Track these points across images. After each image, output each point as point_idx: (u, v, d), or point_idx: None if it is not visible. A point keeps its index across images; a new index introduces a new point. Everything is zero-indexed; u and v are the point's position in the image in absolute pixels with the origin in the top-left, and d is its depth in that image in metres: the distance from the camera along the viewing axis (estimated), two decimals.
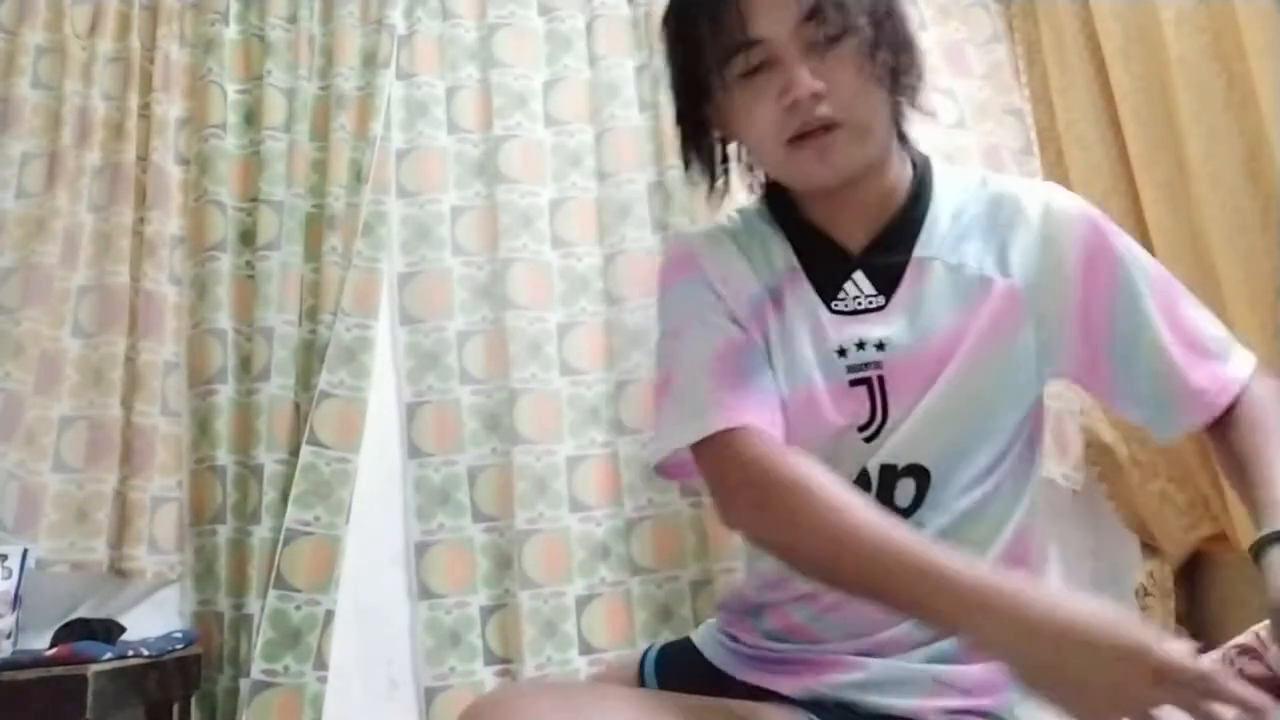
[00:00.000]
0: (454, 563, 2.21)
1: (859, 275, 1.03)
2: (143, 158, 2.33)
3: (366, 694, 2.17)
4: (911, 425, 0.99)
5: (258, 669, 2.04)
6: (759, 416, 0.95)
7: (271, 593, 2.08)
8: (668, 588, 2.20)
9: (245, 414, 2.21)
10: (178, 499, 2.22)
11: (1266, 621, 1.32)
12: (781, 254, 1.06)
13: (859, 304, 1.02)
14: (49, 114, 2.32)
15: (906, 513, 0.98)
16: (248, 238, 2.32)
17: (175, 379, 2.27)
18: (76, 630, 1.99)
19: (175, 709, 2.02)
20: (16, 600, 1.93)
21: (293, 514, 2.13)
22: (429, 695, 2.14)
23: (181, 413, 2.26)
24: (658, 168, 2.41)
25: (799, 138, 0.98)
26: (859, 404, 0.99)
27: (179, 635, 2.05)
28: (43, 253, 2.21)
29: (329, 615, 2.12)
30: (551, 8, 2.53)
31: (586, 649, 2.15)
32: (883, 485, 0.99)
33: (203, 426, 2.21)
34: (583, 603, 2.17)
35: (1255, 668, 1.29)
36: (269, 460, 2.18)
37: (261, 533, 2.13)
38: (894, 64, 1.03)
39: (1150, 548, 2.26)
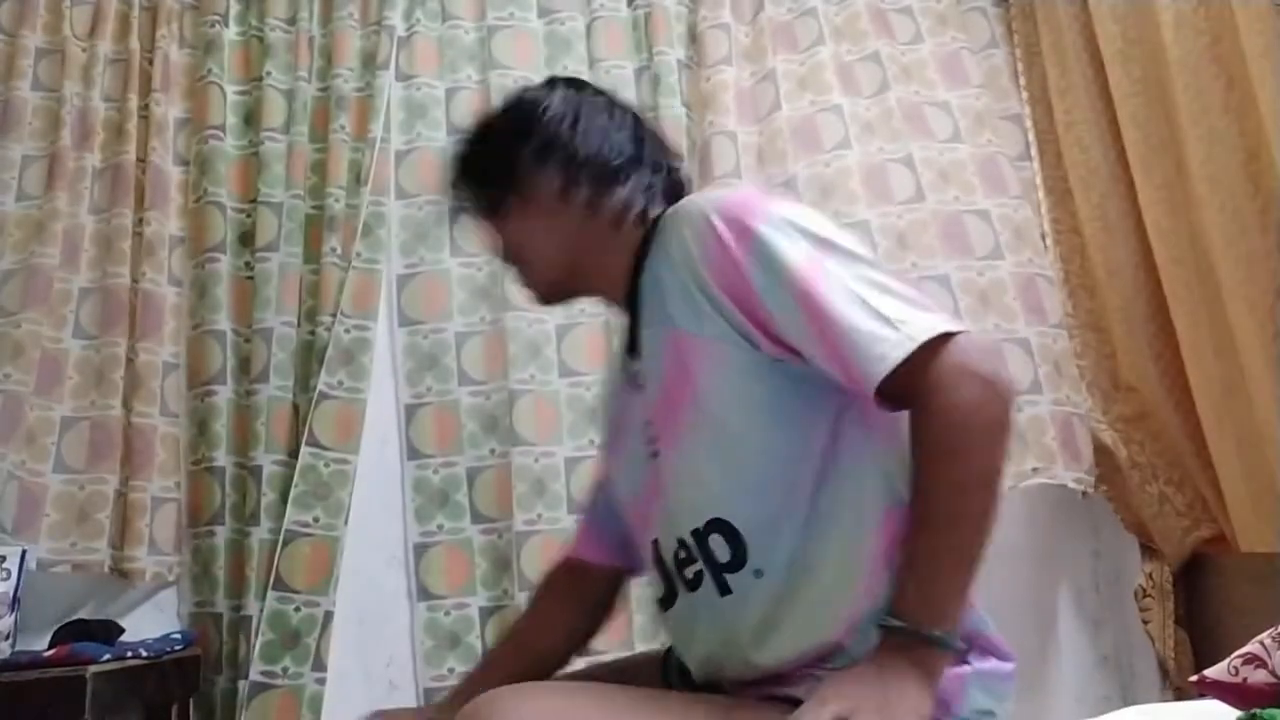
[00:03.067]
0: (453, 564, 2.21)
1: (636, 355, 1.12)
2: (142, 159, 2.34)
3: (365, 695, 2.17)
4: (674, 481, 1.05)
5: (256, 670, 2.04)
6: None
7: (270, 594, 2.08)
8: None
9: (244, 415, 2.21)
10: (176, 500, 2.22)
11: (1273, 630, 1.33)
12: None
13: (633, 369, 1.11)
14: (49, 116, 2.32)
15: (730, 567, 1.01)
16: (247, 239, 2.32)
17: (174, 380, 2.27)
18: (75, 631, 1.99)
19: (174, 710, 2.02)
20: (15, 601, 1.93)
21: (292, 515, 2.13)
22: (428, 696, 2.14)
23: (180, 414, 2.26)
24: None
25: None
26: (642, 463, 1.10)
27: (178, 636, 2.05)
28: (43, 254, 2.21)
29: (328, 616, 2.12)
30: (551, 10, 2.53)
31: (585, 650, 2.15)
32: (676, 564, 1.07)
33: (201, 427, 2.21)
34: None
35: (1260, 676, 1.29)
36: (268, 461, 2.18)
37: (260, 534, 2.13)
38: (572, 185, 1.09)
39: (1150, 549, 2.26)
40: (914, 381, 0.90)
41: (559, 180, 1.09)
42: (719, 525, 1.00)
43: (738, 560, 0.99)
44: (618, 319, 1.15)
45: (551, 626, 1.23)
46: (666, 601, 1.07)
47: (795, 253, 0.95)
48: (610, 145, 1.10)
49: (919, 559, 0.92)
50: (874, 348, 0.90)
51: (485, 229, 1.17)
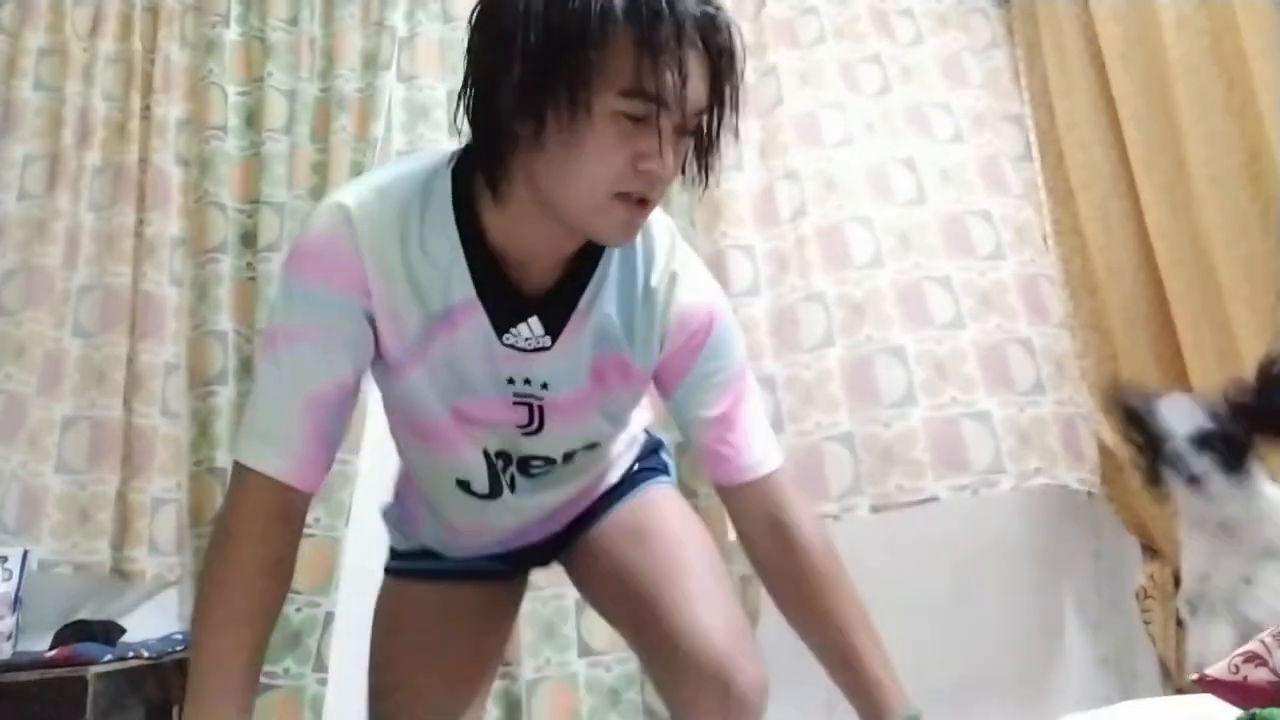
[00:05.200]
0: None
1: (534, 320, 1.06)
2: (144, 159, 2.34)
3: (367, 696, 2.16)
4: (556, 438, 1.16)
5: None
6: (306, 477, 1.05)
7: None
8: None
9: None
10: (177, 500, 2.22)
11: (1273, 628, 1.33)
12: (460, 285, 1.04)
13: (529, 344, 1.07)
14: (50, 115, 2.32)
15: (535, 473, 1.20)
16: (249, 239, 2.32)
17: (175, 380, 2.27)
18: (77, 632, 1.99)
19: (175, 711, 2.02)
20: (17, 602, 1.93)
21: None
22: None
23: (181, 414, 2.26)
24: None
25: (624, 199, 0.96)
26: (520, 414, 1.13)
27: (179, 637, 2.05)
28: (44, 254, 2.22)
29: (329, 617, 2.12)
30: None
31: (586, 651, 2.15)
32: (520, 465, 1.19)
33: (203, 428, 2.21)
34: (582, 605, 2.15)
35: (1261, 674, 1.29)
36: None
37: None
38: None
39: (1151, 550, 2.26)
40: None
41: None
42: (584, 448, 1.21)
43: (589, 448, 1.22)
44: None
45: (283, 577, 1.08)
46: (491, 495, 1.20)
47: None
48: None
49: (876, 654, 1.12)
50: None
51: (682, 142, 0.98)
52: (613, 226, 0.98)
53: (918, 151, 2.40)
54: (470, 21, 1.00)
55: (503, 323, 1.05)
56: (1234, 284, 1.95)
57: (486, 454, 1.16)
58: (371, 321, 1.04)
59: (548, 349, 1.07)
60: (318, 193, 2.34)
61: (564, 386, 1.11)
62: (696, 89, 0.94)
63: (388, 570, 1.39)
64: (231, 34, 2.43)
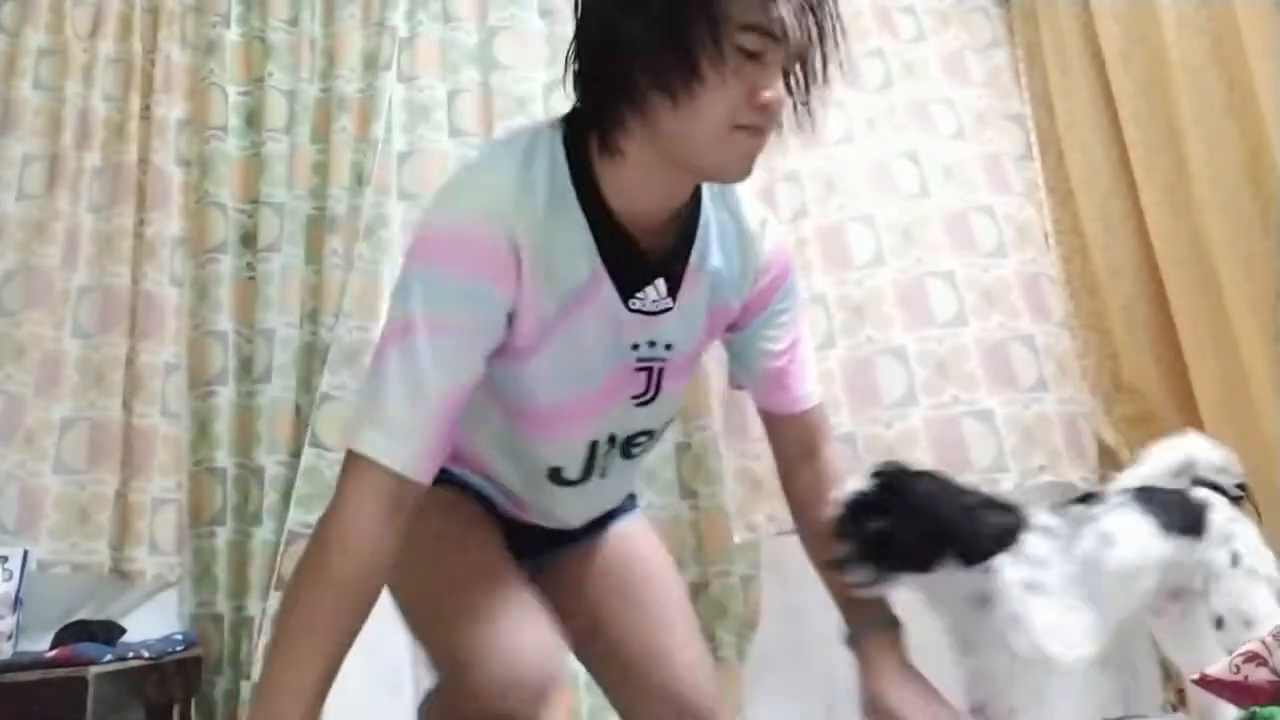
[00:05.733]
0: None
1: (660, 282, 1.09)
2: (144, 159, 2.34)
3: (367, 696, 2.16)
4: (663, 405, 1.18)
5: (259, 671, 2.04)
6: (427, 470, 1.01)
7: (274, 595, 2.08)
8: None
9: (246, 416, 2.21)
10: (177, 501, 2.22)
11: (1274, 628, 1.33)
12: (586, 257, 1.05)
13: (655, 306, 1.09)
14: (50, 116, 2.32)
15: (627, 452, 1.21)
16: (249, 240, 2.32)
17: (175, 380, 2.27)
18: (77, 632, 1.99)
19: (175, 711, 2.02)
20: (17, 602, 1.93)
21: (295, 516, 2.13)
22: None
23: (181, 414, 2.26)
24: None
25: (742, 129, 1.00)
26: (639, 382, 1.14)
27: (179, 637, 2.05)
28: (43, 254, 2.22)
29: None
30: (552, 10, 2.53)
31: None
32: (624, 445, 1.19)
33: (202, 428, 2.21)
34: None
35: (1262, 674, 1.29)
36: (270, 462, 2.18)
37: (263, 535, 2.13)
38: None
39: None
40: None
41: None
42: (671, 420, 1.27)
43: (651, 438, 1.24)
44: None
45: (381, 577, 1.03)
46: (578, 481, 1.20)
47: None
48: None
49: None
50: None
51: (787, 66, 1.01)
52: (734, 158, 1.01)
53: (921, 146, 2.39)
54: None
55: (629, 288, 1.07)
56: (1234, 284, 1.95)
57: (594, 442, 1.16)
58: (510, 314, 1.03)
59: (670, 310, 1.09)
60: (318, 193, 2.34)
61: (685, 345, 1.14)
62: (796, 27, 0.98)
63: None
64: (232, 34, 2.43)
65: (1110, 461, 2.25)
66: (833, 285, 2.29)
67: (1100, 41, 2.29)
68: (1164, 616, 1.40)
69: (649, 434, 1.21)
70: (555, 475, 1.18)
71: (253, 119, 2.40)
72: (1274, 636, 1.29)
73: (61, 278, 2.23)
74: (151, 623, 2.14)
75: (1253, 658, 1.29)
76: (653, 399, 1.16)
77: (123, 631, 2.06)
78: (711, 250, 1.13)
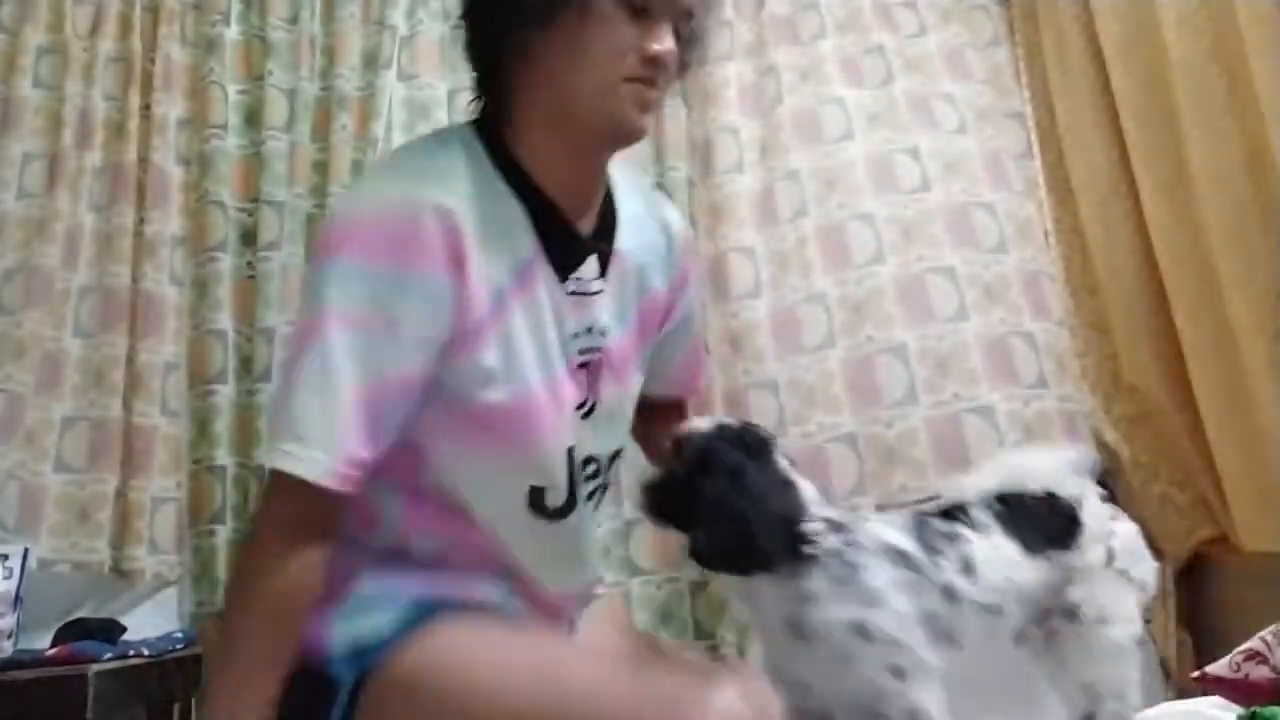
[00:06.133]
0: None
1: (590, 261, 1.06)
2: (144, 158, 2.34)
3: None
4: (607, 423, 1.10)
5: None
6: (345, 473, 0.92)
7: None
8: (667, 589, 2.20)
9: (246, 415, 2.21)
10: (177, 500, 2.22)
11: (1275, 627, 1.33)
12: (525, 234, 1.01)
13: (590, 286, 1.06)
14: (50, 115, 2.32)
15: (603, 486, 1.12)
16: (249, 238, 2.32)
17: (175, 379, 2.27)
18: (77, 630, 1.99)
19: (175, 709, 2.02)
20: (18, 600, 1.93)
21: None
22: None
23: (181, 413, 2.26)
24: (660, 168, 2.41)
25: (633, 82, 1.00)
26: (580, 387, 1.06)
27: (179, 635, 2.05)
28: (44, 254, 2.22)
29: None
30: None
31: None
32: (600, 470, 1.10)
33: (202, 427, 2.21)
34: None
35: (1262, 672, 1.30)
36: None
37: None
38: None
39: (1152, 549, 2.25)
40: None
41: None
42: (618, 454, 1.14)
43: (616, 456, 1.13)
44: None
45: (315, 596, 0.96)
46: (564, 511, 1.06)
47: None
48: None
49: None
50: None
51: (675, 23, 1.02)
52: (628, 107, 1.00)
53: (922, 141, 2.38)
54: None
55: (564, 266, 1.04)
56: (1234, 284, 1.95)
57: (570, 449, 1.05)
58: (451, 297, 0.95)
59: (603, 292, 1.07)
60: (318, 192, 2.34)
61: (617, 331, 1.09)
62: None
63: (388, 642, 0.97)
64: (232, 33, 2.43)
65: (1110, 460, 2.25)
66: (833, 285, 2.29)
67: (1100, 41, 2.29)
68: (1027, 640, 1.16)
69: (597, 465, 1.09)
70: (538, 502, 1.04)
71: (253, 117, 2.40)
72: (1274, 635, 1.30)
73: (62, 277, 2.23)
74: (151, 621, 2.14)
75: (1253, 655, 1.29)
76: (591, 410, 1.07)
77: (123, 630, 2.06)
78: (633, 237, 1.12)
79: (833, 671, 0.96)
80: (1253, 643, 1.30)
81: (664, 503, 1.05)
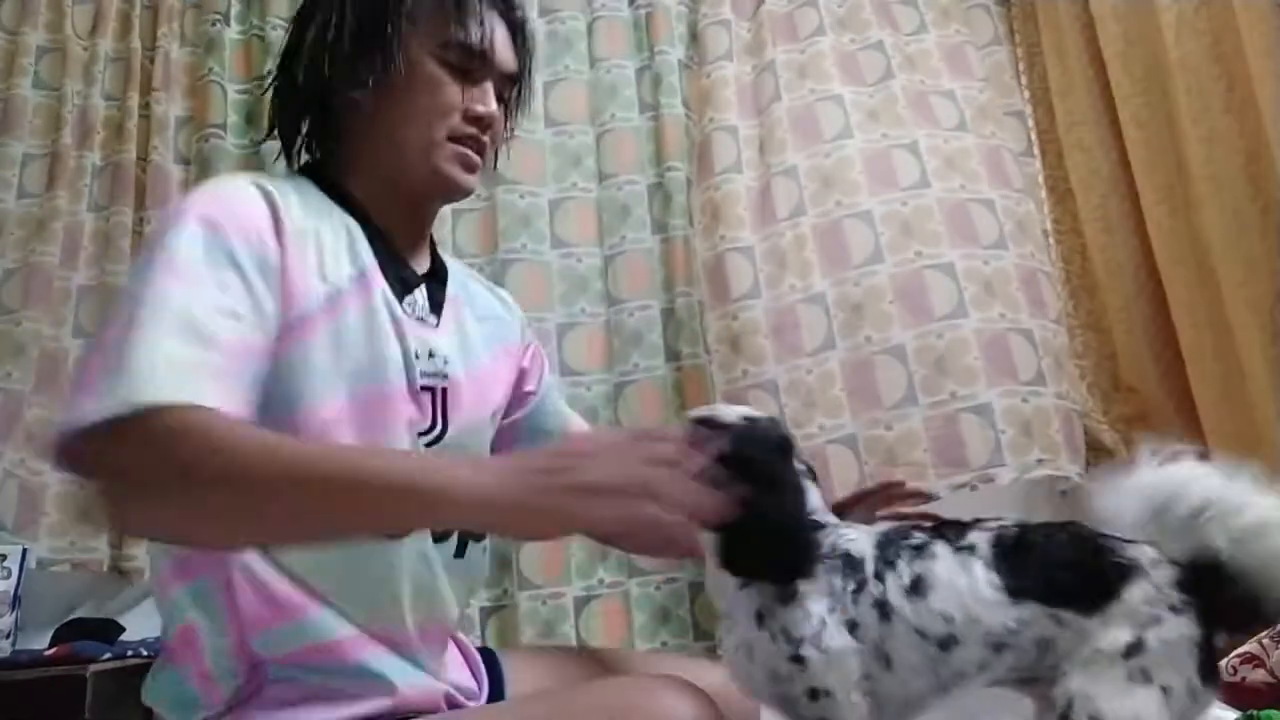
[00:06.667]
0: None
1: (421, 290, 1.08)
2: (143, 158, 2.34)
3: None
4: (460, 441, 1.06)
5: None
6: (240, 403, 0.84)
7: None
8: (666, 589, 2.20)
9: None
10: None
11: (1271, 629, 1.33)
12: (361, 246, 1.02)
13: (424, 315, 1.07)
14: (50, 114, 2.32)
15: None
16: None
17: None
18: (76, 630, 1.99)
19: None
20: (16, 600, 1.94)
21: None
22: None
23: None
24: (658, 169, 2.40)
25: (457, 141, 1.05)
26: (423, 410, 1.02)
27: None
28: (43, 253, 2.21)
29: None
30: (552, 9, 2.53)
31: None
32: None
33: None
34: (581, 604, 2.17)
35: (1258, 675, 1.29)
36: None
37: None
38: None
39: None
40: None
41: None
42: None
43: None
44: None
45: None
46: (458, 550, 1.06)
47: None
48: None
49: None
50: None
51: (498, 87, 1.09)
52: (452, 165, 1.04)
53: (921, 137, 2.37)
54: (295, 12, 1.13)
55: (399, 288, 1.04)
56: (1233, 284, 1.95)
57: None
58: (278, 274, 0.93)
59: (435, 327, 1.07)
60: None
61: (462, 364, 1.07)
62: (504, 51, 1.08)
63: None
64: (231, 32, 2.43)
65: (1108, 461, 2.25)
66: (831, 285, 2.29)
67: (1100, 41, 2.29)
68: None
69: None
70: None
71: (252, 117, 2.40)
72: (1270, 638, 1.30)
73: (61, 276, 2.23)
74: (150, 621, 2.14)
75: (1250, 659, 1.29)
76: (440, 437, 1.03)
77: (121, 630, 2.06)
78: (464, 290, 1.16)
79: (748, 656, 0.92)
80: (1249, 646, 1.30)
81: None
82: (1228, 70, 1.97)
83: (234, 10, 2.44)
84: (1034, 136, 2.51)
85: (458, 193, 1.07)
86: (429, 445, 1.02)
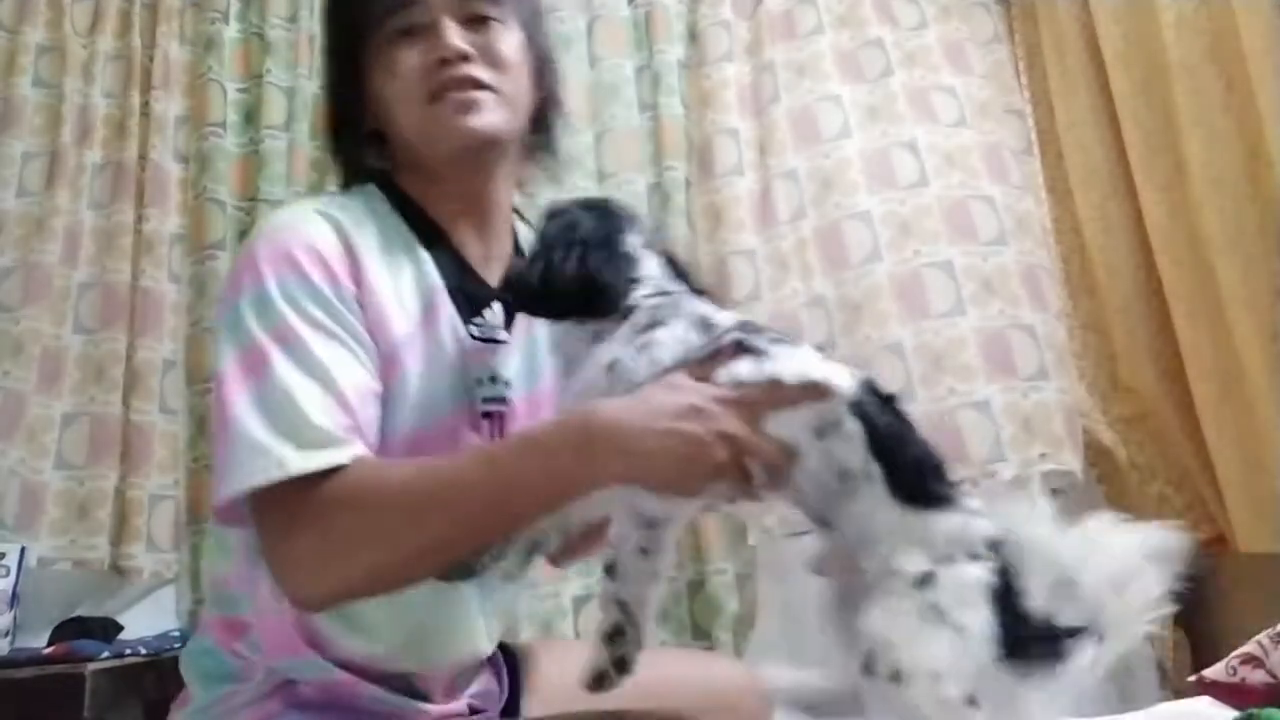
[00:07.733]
0: None
1: (497, 305, 1.04)
2: (143, 156, 2.34)
3: None
4: None
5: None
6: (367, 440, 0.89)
7: None
8: (664, 589, 2.19)
9: None
10: (174, 497, 2.22)
11: (1271, 630, 1.33)
12: (425, 274, 1.00)
13: (494, 333, 1.03)
14: (50, 112, 2.32)
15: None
16: (247, 236, 2.32)
17: (173, 377, 2.27)
18: (74, 629, 1.99)
19: (174, 708, 2.02)
20: (14, 598, 1.94)
21: None
22: None
23: (179, 411, 2.26)
24: (657, 169, 2.40)
25: (441, 95, 1.00)
26: (484, 438, 1.01)
27: (176, 634, 2.05)
28: (43, 251, 2.22)
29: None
30: (551, 8, 2.52)
31: None
32: None
33: (201, 425, 2.21)
34: (580, 603, 2.16)
35: (1258, 676, 1.29)
36: None
37: None
38: (540, 70, 1.08)
39: None
40: None
41: (540, 47, 1.10)
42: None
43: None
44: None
45: None
46: (465, 573, 0.99)
47: None
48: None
49: None
50: None
51: (457, 20, 1.02)
52: (447, 117, 1.00)
53: (921, 134, 2.37)
54: None
55: (468, 311, 1.02)
56: (1233, 284, 1.95)
57: None
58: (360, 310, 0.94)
59: (507, 341, 1.04)
60: (317, 189, 2.34)
61: (523, 386, 1.05)
62: None
63: None
64: (231, 31, 2.43)
65: (1106, 461, 2.25)
66: (832, 286, 2.29)
67: (1099, 41, 2.29)
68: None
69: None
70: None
71: (251, 115, 2.40)
72: (1270, 639, 1.30)
73: (61, 274, 2.23)
74: (149, 620, 2.14)
75: (1249, 660, 1.29)
76: None
77: (120, 628, 2.06)
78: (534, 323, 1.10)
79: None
80: (1249, 647, 1.30)
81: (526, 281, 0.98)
82: (1227, 70, 1.97)
83: (233, 9, 2.44)
84: (1034, 136, 2.50)
85: (470, 138, 1.00)
86: None
